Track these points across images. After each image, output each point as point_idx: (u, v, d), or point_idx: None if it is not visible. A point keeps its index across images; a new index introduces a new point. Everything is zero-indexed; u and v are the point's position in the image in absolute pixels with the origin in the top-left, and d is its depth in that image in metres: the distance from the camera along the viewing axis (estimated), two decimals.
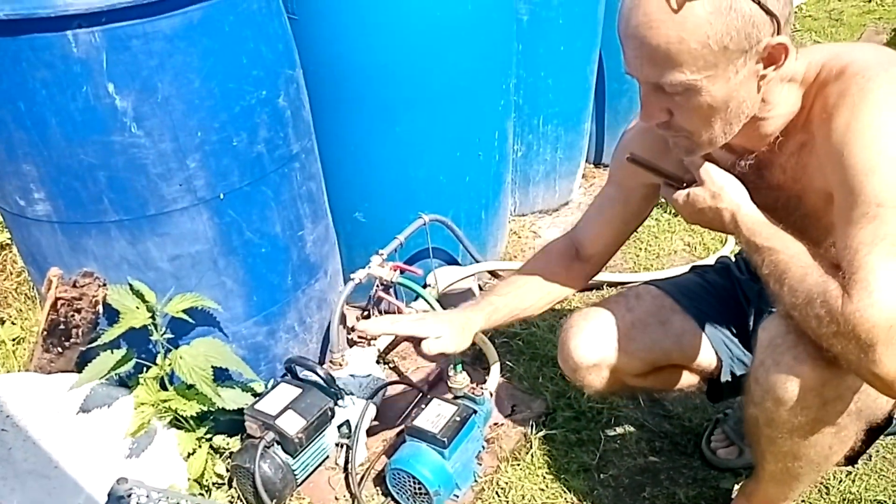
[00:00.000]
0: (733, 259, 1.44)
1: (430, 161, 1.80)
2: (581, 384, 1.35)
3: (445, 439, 1.37)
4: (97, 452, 1.36)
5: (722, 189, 1.03)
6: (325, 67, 1.62)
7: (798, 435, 1.03)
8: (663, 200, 1.18)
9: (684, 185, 1.09)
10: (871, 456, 1.47)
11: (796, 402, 0.98)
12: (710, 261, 1.54)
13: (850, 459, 1.15)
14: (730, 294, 1.37)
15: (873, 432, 1.09)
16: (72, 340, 1.37)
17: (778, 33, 0.90)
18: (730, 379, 1.32)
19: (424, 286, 1.78)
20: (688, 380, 1.41)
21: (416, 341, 1.24)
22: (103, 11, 1.09)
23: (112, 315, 1.33)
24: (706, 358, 1.34)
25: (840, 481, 1.43)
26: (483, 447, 1.52)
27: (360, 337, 1.69)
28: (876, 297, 0.82)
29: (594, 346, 1.30)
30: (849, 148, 0.89)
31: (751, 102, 0.96)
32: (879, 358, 0.83)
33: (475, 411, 1.46)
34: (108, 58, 1.14)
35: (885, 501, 1.38)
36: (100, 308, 1.34)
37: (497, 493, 1.47)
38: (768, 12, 0.87)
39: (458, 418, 1.42)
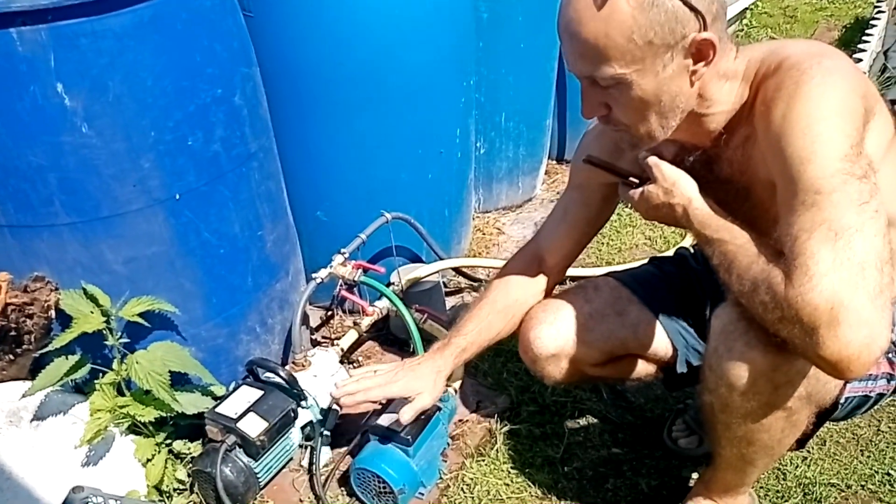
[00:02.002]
0: (691, 251, 1.47)
1: (391, 159, 1.79)
2: (540, 375, 1.37)
3: (410, 437, 1.37)
4: (52, 462, 1.33)
5: (674, 185, 1.06)
6: (283, 65, 1.60)
7: (751, 420, 1.05)
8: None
9: (640, 183, 1.12)
10: (825, 441, 1.51)
11: (749, 388, 1.01)
12: (670, 253, 1.57)
13: (800, 443, 1.18)
14: (686, 284, 1.40)
15: (821, 416, 1.12)
16: (24, 347, 1.33)
17: (704, 29, 0.93)
18: (685, 369, 1.35)
19: (388, 284, 1.77)
20: (645, 369, 1.43)
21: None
22: (48, 9, 1.07)
23: (66, 320, 1.30)
24: (662, 347, 1.37)
25: (796, 466, 1.46)
26: (448, 444, 1.53)
27: (320, 344, 1.68)
28: (815, 281, 0.85)
29: (553, 337, 1.33)
30: (786, 138, 0.91)
31: (685, 97, 1.00)
32: (823, 340, 0.85)
33: (439, 408, 1.47)
34: (56, 56, 1.12)
35: (838, 484, 1.43)
36: (52, 313, 1.31)
37: (462, 489, 1.47)
38: (692, 8, 0.91)
39: (422, 416, 1.41)
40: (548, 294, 1.41)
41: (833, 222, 0.87)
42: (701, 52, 0.95)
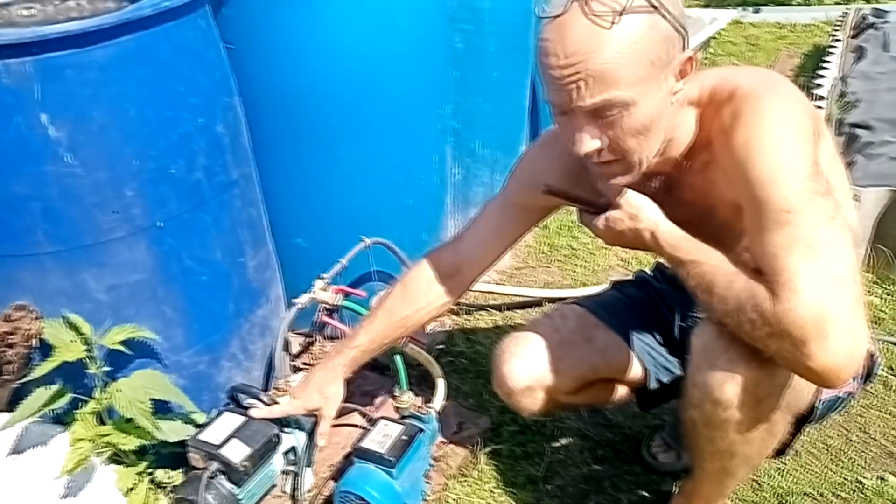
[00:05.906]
0: (650, 272, 1.51)
1: (370, 185, 1.82)
2: (517, 407, 1.38)
3: (393, 459, 1.38)
4: (32, 493, 1.31)
5: (639, 210, 1.08)
6: (264, 95, 1.63)
7: (734, 433, 1.07)
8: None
9: (601, 209, 1.13)
10: (798, 452, 1.55)
11: (733, 402, 1.03)
12: (630, 276, 1.59)
13: (779, 452, 1.21)
14: (650, 304, 1.43)
15: (799, 422, 1.16)
16: (3, 377, 1.32)
17: (685, 48, 0.98)
18: (657, 385, 1.38)
19: (369, 309, 1.79)
20: (618, 392, 1.46)
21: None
22: (34, 42, 1.09)
23: (46, 349, 1.29)
24: (632, 369, 1.39)
25: (771, 477, 1.50)
26: (431, 465, 1.54)
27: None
28: (802, 296, 0.89)
29: (526, 370, 1.33)
30: (751, 162, 0.96)
31: (668, 119, 1.02)
32: (813, 352, 0.89)
33: (422, 430, 1.48)
34: (42, 87, 1.14)
35: (812, 493, 1.46)
36: (34, 342, 1.30)
37: None
38: (678, 30, 0.96)
39: (405, 437, 1.43)
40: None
41: (808, 238, 0.91)
42: (683, 70, 0.99)
